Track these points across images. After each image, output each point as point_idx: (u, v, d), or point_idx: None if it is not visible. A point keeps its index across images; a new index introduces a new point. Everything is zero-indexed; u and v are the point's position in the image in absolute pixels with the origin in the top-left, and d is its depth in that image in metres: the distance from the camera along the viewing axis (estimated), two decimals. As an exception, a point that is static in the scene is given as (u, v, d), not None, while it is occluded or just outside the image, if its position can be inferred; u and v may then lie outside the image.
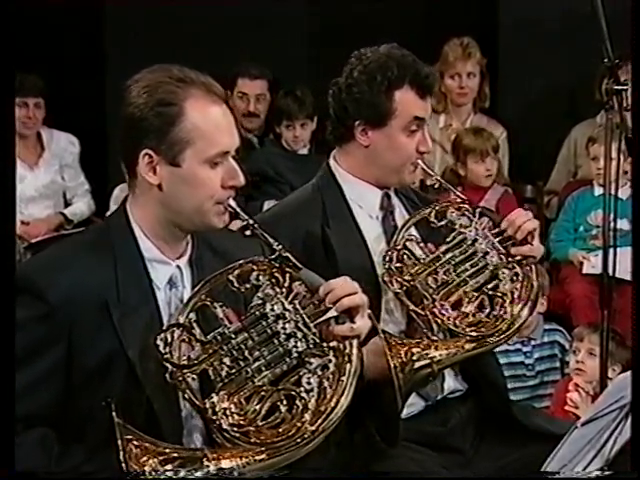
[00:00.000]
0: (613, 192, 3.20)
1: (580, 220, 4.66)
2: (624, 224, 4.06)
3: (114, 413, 1.97)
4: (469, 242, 2.67)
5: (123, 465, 1.95)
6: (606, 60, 3.04)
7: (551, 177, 5.18)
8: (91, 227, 3.02)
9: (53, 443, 2.11)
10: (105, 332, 2.13)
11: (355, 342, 2.14)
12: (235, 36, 5.42)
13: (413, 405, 2.67)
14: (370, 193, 2.76)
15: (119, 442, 1.96)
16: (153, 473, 1.99)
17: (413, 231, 2.71)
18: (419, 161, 2.73)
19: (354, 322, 2.13)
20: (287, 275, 2.14)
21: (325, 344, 2.12)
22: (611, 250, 3.18)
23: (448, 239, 2.68)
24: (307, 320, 2.11)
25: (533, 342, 4.18)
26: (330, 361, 2.10)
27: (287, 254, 2.14)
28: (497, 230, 2.69)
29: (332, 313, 2.12)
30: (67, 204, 5.36)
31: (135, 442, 2.00)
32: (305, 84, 5.18)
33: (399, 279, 2.63)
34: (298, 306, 2.12)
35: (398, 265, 2.64)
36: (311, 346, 2.10)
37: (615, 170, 3.16)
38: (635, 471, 2.20)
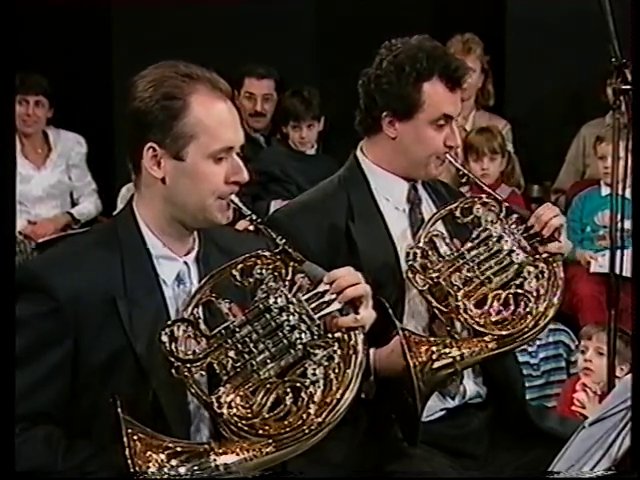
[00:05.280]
0: (620, 192, 3.20)
1: (587, 220, 4.66)
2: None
3: (120, 409, 1.98)
4: (494, 239, 2.63)
5: (129, 461, 1.95)
6: (613, 59, 3.03)
7: (559, 176, 5.17)
8: (98, 225, 3.04)
9: (59, 440, 2.11)
10: (112, 328, 2.13)
11: (360, 333, 2.14)
12: (242, 36, 5.43)
13: (433, 409, 2.65)
14: (397, 185, 2.74)
15: (125, 438, 1.96)
16: (158, 470, 1.99)
17: (439, 226, 2.69)
18: (447, 155, 2.70)
19: (358, 313, 2.13)
20: (290, 268, 2.14)
21: (330, 335, 2.12)
22: (618, 250, 3.17)
23: (473, 236, 2.65)
24: (311, 312, 2.11)
25: (538, 342, 4.17)
26: (335, 352, 2.10)
27: (290, 248, 2.14)
28: (524, 226, 2.66)
29: (336, 305, 2.12)
30: (74, 204, 5.38)
31: (141, 438, 2.00)
32: (312, 84, 5.18)
33: (423, 276, 2.60)
34: (302, 298, 2.12)
35: (422, 261, 2.61)
36: (315, 337, 2.10)
37: (622, 170, 3.15)
38: (635, 471, 2.19)
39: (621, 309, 3.22)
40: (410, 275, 2.60)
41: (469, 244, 2.64)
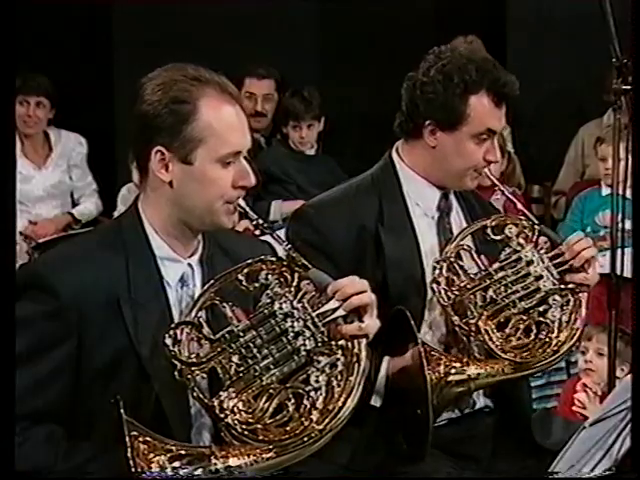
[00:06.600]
0: (621, 192, 3.20)
1: (588, 221, 4.65)
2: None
3: (122, 410, 1.98)
4: (523, 263, 2.59)
5: (130, 462, 1.95)
6: (614, 60, 3.03)
7: (559, 177, 5.18)
8: (101, 226, 3.04)
9: (60, 440, 2.11)
10: (116, 329, 2.13)
11: (364, 341, 2.13)
12: (242, 35, 5.43)
13: (440, 416, 2.62)
14: (429, 192, 2.70)
15: (127, 439, 1.96)
16: (160, 472, 2.00)
17: (468, 241, 2.66)
18: (485, 169, 2.67)
19: (362, 321, 2.13)
20: (296, 274, 2.14)
21: (333, 343, 2.11)
22: (619, 250, 3.17)
23: (502, 256, 2.61)
24: (315, 318, 2.11)
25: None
26: (338, 360, 2.10)
27: (295, 253, 2.14)
28: (554, 253, 2.62)
29: (340, 312, 2.12)
30: (75, 204, 5.39)
31: (143, 439, 2.00)
32: (312, 84, 5.19)
33: (447, 290, 2.57)
34: (307, 304, 2.11)
35: (448, 276, 2.59)
36: (319, 344, 2.10)
37: (623, 170, 3.15)
38: (635, 471, 2.19)
39: (621, 309, 3.22)
40: (434, 287, 2.58)
41: (497, 264, 2.60)
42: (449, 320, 2.61)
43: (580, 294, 2.63)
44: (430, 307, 2.64)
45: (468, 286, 2.59)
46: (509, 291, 2.59)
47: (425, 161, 2.68)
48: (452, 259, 2.61)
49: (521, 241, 2.62)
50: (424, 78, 2.63)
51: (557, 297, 2.60)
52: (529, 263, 2.60)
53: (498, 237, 2.64)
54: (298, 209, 2.80)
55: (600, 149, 4.64)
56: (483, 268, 2.61)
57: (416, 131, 2.67)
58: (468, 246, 2.64)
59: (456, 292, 2.58)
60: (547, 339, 2.59)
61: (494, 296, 2.58)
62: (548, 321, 2.60)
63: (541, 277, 2.60)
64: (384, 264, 2.58)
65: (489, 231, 2.65)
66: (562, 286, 2.61)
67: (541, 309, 2.60)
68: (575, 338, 2.61)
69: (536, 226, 2.66)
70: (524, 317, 2.60)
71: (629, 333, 3.57)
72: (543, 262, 2.61)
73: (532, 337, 2.60)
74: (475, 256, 2.63)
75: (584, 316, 2.64)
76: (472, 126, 2.61)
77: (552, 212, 5.15)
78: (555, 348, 2.59)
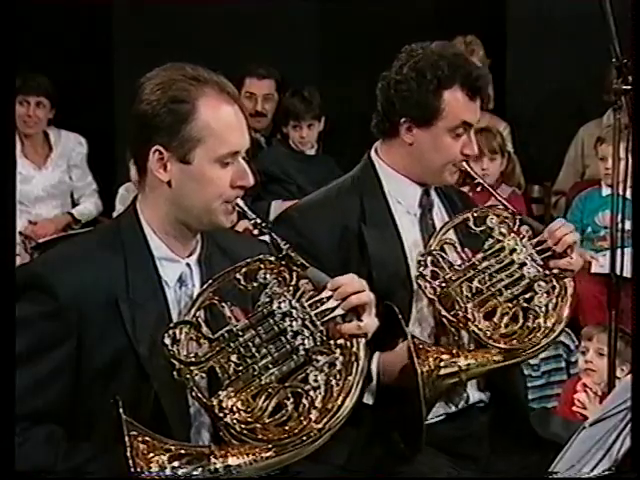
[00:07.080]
0: (621, 192, 3.20)
1: (588, 221, 4.66)
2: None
3: (121, 410, 1.98)
4: (507, 252, 2.62)
5: (130, 462, 1.96)
6: (614, 60, 3.03)
7: (559, 177, 5.19)
8: (101, 226, 3.04)
9: (60, 440, 2.12)
10: (115, 329, 2.14)
11: (362, 340, 2.13)
12: (242, 35, 5.44)
13: (435, 412, 2.65)
14: (410, 189, 2.73)
15: (126, 439, 1.96)
16: (159, 471, 2.00)
17: (451, 234, 2.68)
18: (463, 163, 2.69)
19: (361, 320, 2.13)
20: (294, 273, 2.14)
21: (332, 342, 2.12)
22: (619, 251, 3.17)
23: (485, 246, 2.64)
24: (314, 318, 2.11)
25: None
26: (337, 359, 2.10)
27: (294, 253, 2.14)
28: (536, 240, 2.65)
29: (339, 311, 2.12)
30: (75, 204, 5.40)
31: (142, 439, 2.01)
32: (313, 84, 5.19)
33: (433, 284, 2.60)
34: (305, 304, 2.12)
35: (433, 269, 2.61)
36: (318, 344, 2.10)
37: (623, 170, 3.15)
38: (635, 471, 2.19)
39: (621, 309, 3.22)
40: (420, 282, 2.60)
41: (481, 254, 2.63)
42: (436, 313, 2.63)
43: (565, 279, 2.66)
44: (417, 301, 2.66)
45: (453, 278, 2.61)
46: (494, 280, 2.62)
47: (404, 159, 2.71)
48: (436, 252, 2.63)
49: (503, 230, 2.65)
50: (397, 76, 2.66)
51: (542, 283, 2.63)
52: (512, 251, 2.63)
53: (480, 228, 2.67)
54: (282, 213, 2.84)
55: (600, 149, 4.64)
56: (467, 259, 2.63)
57: (393, 129, 2.70)
58: (451, 240, 2.67)
59: (442, 284, 2.60)
60: (535, 325, 2.62)
61: (479, 286, 2.61)
62: (535, 307, 2.62)
63: (525, 264, 2.62)
64: (369, 262, 2.60)
65: (471, 223, 2.68)
66: (546, 272, 2.63)
67: (527, 296, 2.63)
68: (563, 323, 2.63)
69: (517, 215, 2.68)
70: (510, 305, 2.62)
71: (629, 333, 3.57)
72: (526, 249, 2.63)
73: (520, 324, 2.62)
74: (459, 249, 2.65)
75: (571, 298, 2.65)
76: (447, 121, 2.64)
77: (552, 212, 5.15)
78: (543, 334, 2.61)
